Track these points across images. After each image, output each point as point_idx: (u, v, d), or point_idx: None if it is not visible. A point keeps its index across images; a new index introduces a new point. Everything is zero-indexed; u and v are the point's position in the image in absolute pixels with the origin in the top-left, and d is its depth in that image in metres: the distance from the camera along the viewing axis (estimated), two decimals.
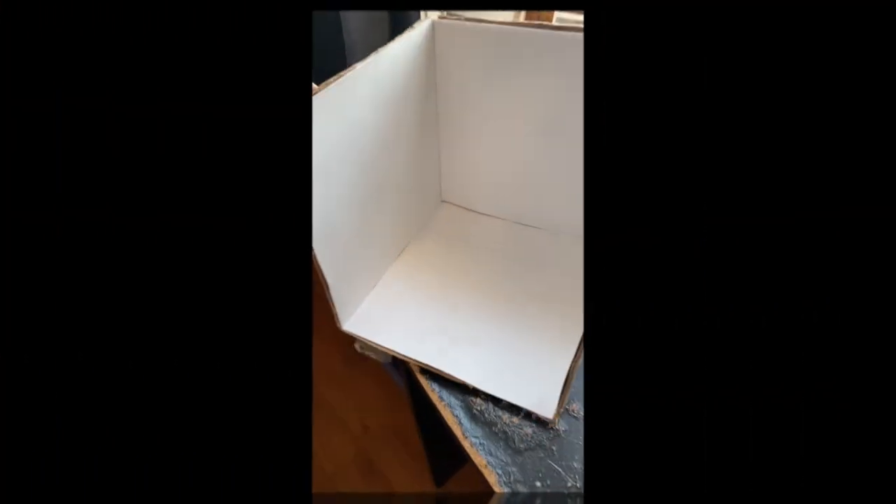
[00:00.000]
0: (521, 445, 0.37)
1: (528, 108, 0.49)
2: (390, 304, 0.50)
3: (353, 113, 0.40)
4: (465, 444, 0.38)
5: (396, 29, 1.09)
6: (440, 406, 0.41)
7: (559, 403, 0.38)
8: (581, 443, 0.37)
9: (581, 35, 0.43)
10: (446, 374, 0.43)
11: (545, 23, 0.46)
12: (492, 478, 0.36)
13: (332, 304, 0.45)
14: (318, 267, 0.42)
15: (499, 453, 0.37)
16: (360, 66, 0.38)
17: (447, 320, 0.48)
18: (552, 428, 0.38)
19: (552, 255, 0.56)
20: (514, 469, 0.36)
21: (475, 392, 0.41)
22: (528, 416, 0.39)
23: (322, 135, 0.36)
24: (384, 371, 1.21)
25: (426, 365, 0.44)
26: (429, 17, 0.47)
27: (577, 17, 0.88)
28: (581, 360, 0.33)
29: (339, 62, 0.98)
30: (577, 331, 0.47)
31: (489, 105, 0.50)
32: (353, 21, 0.96)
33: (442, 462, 0.93)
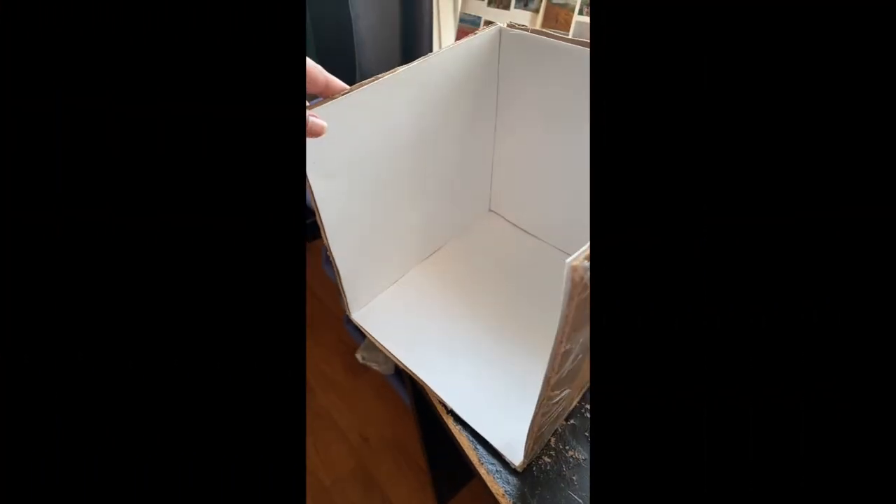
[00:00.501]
0: (540, 475, 0.36)
1: (580, 132, 0.47)
2: (404, 304, 0.50)
3: (388, 113, 0.40)
4: (482, 471, 0.37)
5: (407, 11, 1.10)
6: (454, 429, 0.40)
7: (525, 452, 0.36)
8: None
9: None
10: (429, 387, 0.42)
11: None
12: None
13: (343, 293, 0.45)
14: (331, 255, 0.41)
15: (516, 482, 0.36)
16: (403, 70, 0.38)
17: (452, 334, 0.47)
18: (572, 457, 0.37)
19: None
20: (532, 500, 0.35)
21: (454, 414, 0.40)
22: (547, 445, 0.38)
23: (351, 130, 0.36)
24: (387, 382, 1.19)
25: (411, 372, 0.43)
26: (495, 25, 0.46)
27: None
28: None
29: (345, 39, 0.98)
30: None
31: (552, 125, 0.49)
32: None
33: (445, 479, 0.91)
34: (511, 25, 0.45)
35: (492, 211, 0.63)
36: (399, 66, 0.39)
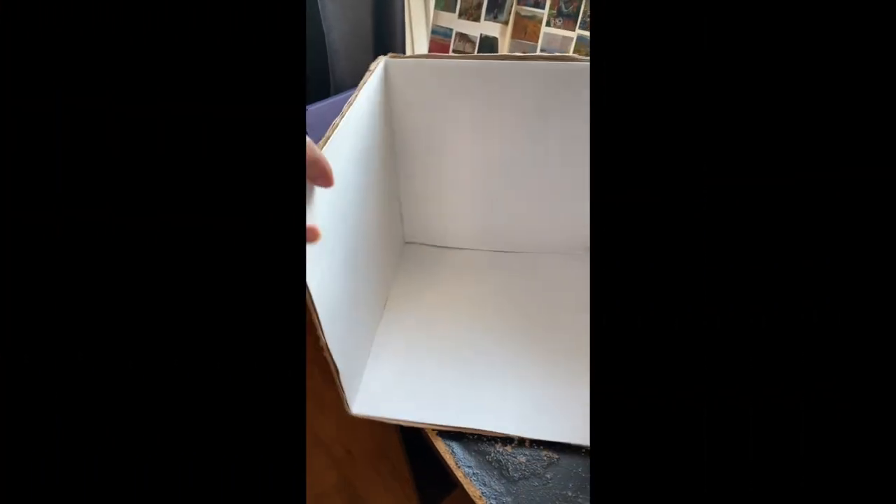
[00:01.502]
0: (516, 475, 0.37)
1: (485, 139, 0.48)
2: (394, 369, 0.46)
3: (339, 174, 0.35)
4: (459, 474, 0.37)
5: (379, 25, 1.11)
6: (431, 435, 0.40)
7: None
8: (576, 470, 0.37)
9: (537, 63, 0.44)
10: (480, 431, 0.39)
11: (503, 54, 0.47)
12: None
13: (342, 390, 0.41)
14: (330, 351, 0.38)
15: (493, 483, 0.36)
16: (340, 124, 0.36)
17: (456, 372, 0.44)
18: (546, 455, 0.38)
19: (535, 274, 0.56)
20: (508, 499, 0.35)
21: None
22: (521, 443, 0.39)
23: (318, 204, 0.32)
24: None
25: (457, 428, 0.39)
26: (383, 57, 0.47)
27: (564, 33, 0.91)
28: None
29: (318, 54, 0.98)
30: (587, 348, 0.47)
31: (444, 139, 0.49)
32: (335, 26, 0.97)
33: (430, 488, 0.90)
34: (393, 56, 0.46)
35: (409, 243, 0.62)
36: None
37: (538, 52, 1.01)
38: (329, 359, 0.38)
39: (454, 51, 1.17)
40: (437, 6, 1.14)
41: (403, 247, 0.62)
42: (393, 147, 0.52)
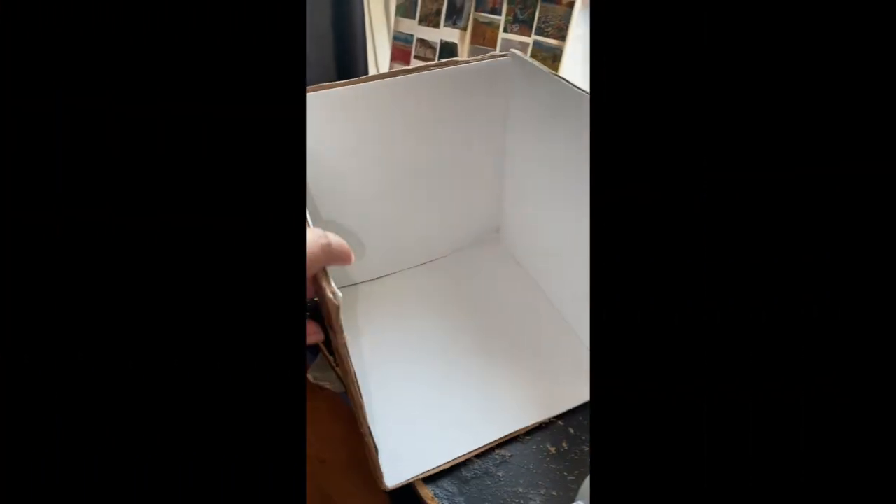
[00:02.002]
0: (468, 475, 0.37)
1: (377, 160, 0.47)
2: (398, 421, 0.42)
3: None
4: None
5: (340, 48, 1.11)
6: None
7: None
8: (527, 466, 0.38)
9: (420, 75, 0.43)
10: (499, 439, 0.39)
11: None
12: None
13: (379, 469, 0.37)
14: (368, 428, 0.35)
15: (445, 484, 0.37)
16: None
17: (433, 405, 0.43)
18: (499, 454, 0.39)
19: (460, 274, 0.55)
20: (461, 499, 0.36)
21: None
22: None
23: None
24: (342, 402, 1.17)
25: (477, 450, 0.38)
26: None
27: (521, 38, 0.93)
28: None
29: None
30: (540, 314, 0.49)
31: (343, 172, 0.46)
32: None
33: (403, 496, 0.91)
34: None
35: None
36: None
37: (511, 52, 1.03)
38: (370, 442, 0.35)
39: (416, 57, 1.18)
40: (397, 13, 1.15)
41: None
42: (311, 195, 0.48)
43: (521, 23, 0.91)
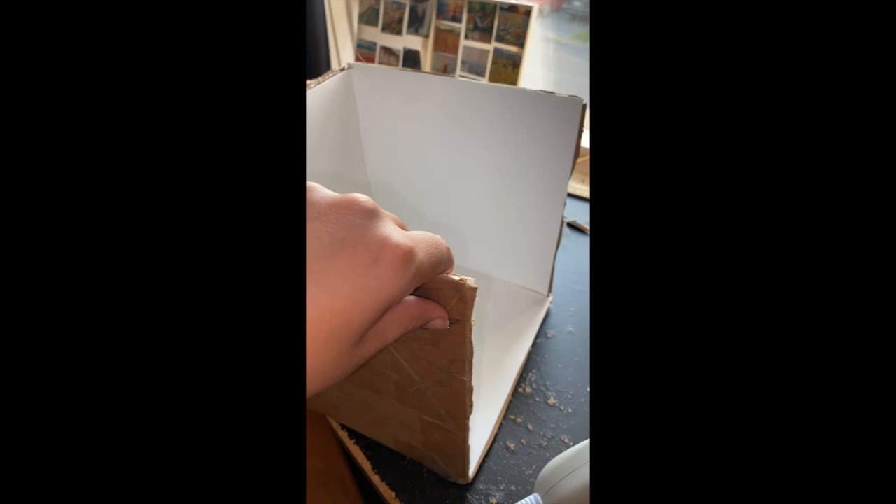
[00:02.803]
0: (430, 476, 0.38)
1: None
2: None
3: None
4: (374, 479, 0.38)
5: None
6: (349, 443, 0.41)
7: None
8: (487, 464, 0.39)
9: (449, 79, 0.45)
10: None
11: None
12: None
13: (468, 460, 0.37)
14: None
15: (407, 483, 0.38)
16: None
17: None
18: None
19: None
20: (422, 501, 0.37)
21: None
22: None
23: None
24: (311, 411, 1.16)
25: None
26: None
27: (481, 46, 0.94)
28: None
29: None
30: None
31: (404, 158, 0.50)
32: None
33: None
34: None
35: None
36: None
37: (458, 64, 1.05)
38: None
39: (379, 63, 1.19)
40: (360, 20, 1.15)
41: None
42: (350, 172, 0.53)
43: (481, 31, 0.93)
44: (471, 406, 0.31)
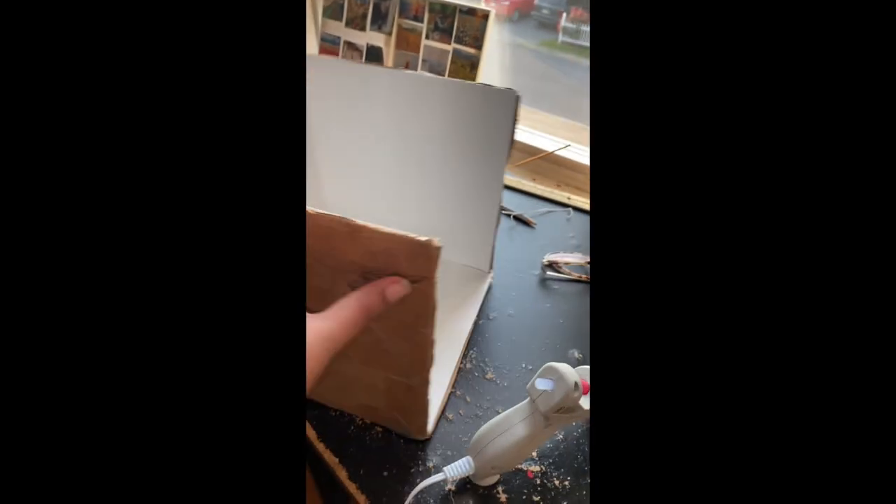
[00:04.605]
0: (372, 444, 0.41)
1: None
2: None
3: None
4: (319, 447, 0.40)
5: None
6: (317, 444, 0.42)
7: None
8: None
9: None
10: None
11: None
12: (343, 473, 0.39)
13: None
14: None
15: (351, 449, 0.40)
16: None
17: None
18: (393, 433, 0.42)
19: None
20: (365, 464, 0.39)
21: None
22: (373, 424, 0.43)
23: None
24: None
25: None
26: None
27: (441, 46, 0.97)
28: None
29: None
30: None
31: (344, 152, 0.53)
32: None
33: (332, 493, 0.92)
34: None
35: None
36: None
37: (420, 62, 1.07)
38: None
39: (342, 57, 1.20)
40: (324, 14, 1.16)
41: None
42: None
43: (441, 31, 0.96)
44: (432, 359, 0.33)
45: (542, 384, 0.34)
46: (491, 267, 0.56)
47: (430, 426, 0.41)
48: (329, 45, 1.19)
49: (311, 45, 1.24)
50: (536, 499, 0.37)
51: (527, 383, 0.46)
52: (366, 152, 0.53)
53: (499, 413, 0.44)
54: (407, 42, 1.01)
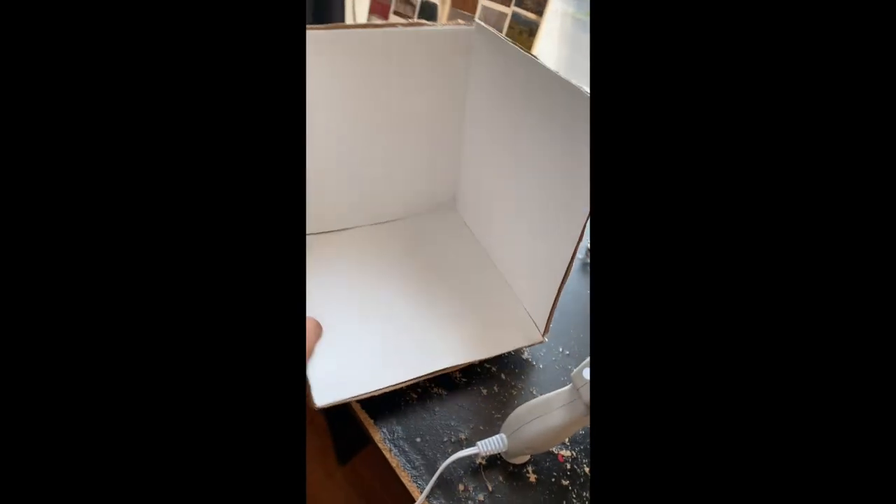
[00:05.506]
0: (407, 410, 0.41)
1: (341, 114, 0.48)
2: (338, 355, 0.44)
3: None
4: (355, 407, 0.42)
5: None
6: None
7: (547, 321, 0.44)
8: (459, 404, 0.42)
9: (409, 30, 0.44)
10: (431, 373, 0.41)
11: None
12: (377, 435, 0.40)
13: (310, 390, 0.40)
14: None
15: (385, 415, 0.41)
16: None
17: (370, 340, 0.45)
18: (437, 393, 0.43)
19: (414, 233, 0.57)
20: (398, 428, 0.40)
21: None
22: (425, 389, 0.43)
23: None
24: None
25: (409, 381, 0.40)
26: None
27: (500, 8, 0.93)
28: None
29: None
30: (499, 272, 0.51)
31: (310, 118, 0.48)
32: None
33: (346, 443, 0.96)
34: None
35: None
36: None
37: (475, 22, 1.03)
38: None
39: (395, 12, 1.16)
40: None
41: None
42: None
43: None
44: None
45: (589, 374, 0.33)
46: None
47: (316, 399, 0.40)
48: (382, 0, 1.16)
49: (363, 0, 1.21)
50: (565, 483, 0.38)
51: (562, 367, 0.46)
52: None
53: (533, 394, 0.44)
54: (465, 1, 0.97)
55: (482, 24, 0.46)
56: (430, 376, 0.42)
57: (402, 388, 0.42)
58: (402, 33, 0.45)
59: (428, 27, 0.45)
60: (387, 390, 0.40)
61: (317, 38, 0.43)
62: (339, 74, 0.45)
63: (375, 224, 0.58)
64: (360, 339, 0.46)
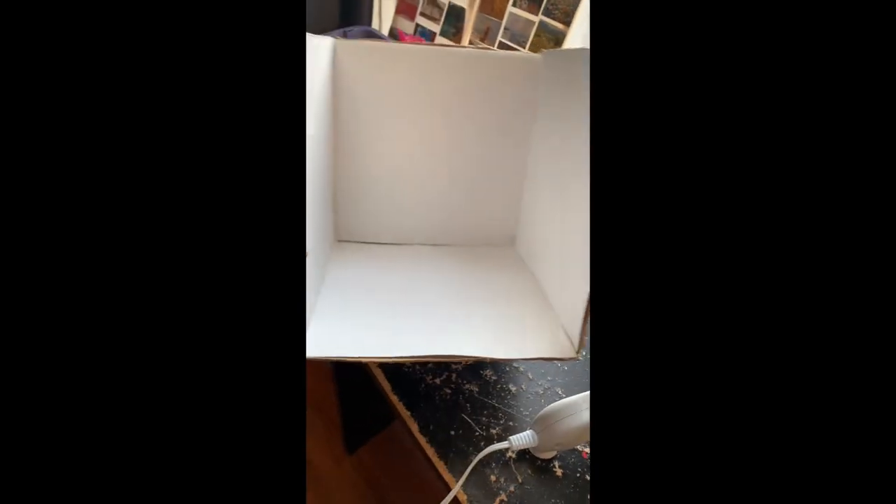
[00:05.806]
0: (441, 404, 0.44)
1: (418, 133, 0.50)
2: (335, 322, 0.44)
3: None
4: (393, 399, 0.44)
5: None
6: (374, 368, 0.46)
7: (580, 336, 0.40)
8: (473, 393, 0.45)
9: (474, 51, 0.46)
10: (449, 357, 0.40)
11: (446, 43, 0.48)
12: (414, 426, 0.43)
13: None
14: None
15: (404, 385, 0.44)
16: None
17: (406, 315, 0.46)
18: (467, 389, 0.45)
19: (466, 259, 0.58)
20: (433, 421, 0.43)
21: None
22: (447, 378, 0.46)
23: None
24: None
25: (422, 357, 0.39)
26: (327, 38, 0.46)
27: (527, 16, 0.95)
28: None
29: None
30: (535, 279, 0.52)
31: (380, 132, 0.50)
32: None
33: (354, 432, 0.99)
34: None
35: (340, 241, 0.59)
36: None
37: (501, 30, 1.05)
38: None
39: (421, 14, 1.18)
40: None
41: (335, 245, 0.58)
42: (334, 140, 0.51)
43: (530, 1, 0.94)
44: None
45: None
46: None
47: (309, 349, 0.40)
48: (409, 1, 1.17)
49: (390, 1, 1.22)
50: (589, 477, 0.40)
51: (585, 370, 0.49)
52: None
53: (558, 393, 0.46)
54: (492, 6, 0.99)
55: (550, 53, 0.47)
56: (451, 359, 0.41)
57: (437, 384, 0.45)
58: (473, 57, 0.47)
59: (493, 53, 0.47)
60: (403, 360, 0.39)
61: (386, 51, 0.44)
62: (426, 90, 0.47)
63: (427, 245, 0.59)
64: (385, 319, 0.45)
